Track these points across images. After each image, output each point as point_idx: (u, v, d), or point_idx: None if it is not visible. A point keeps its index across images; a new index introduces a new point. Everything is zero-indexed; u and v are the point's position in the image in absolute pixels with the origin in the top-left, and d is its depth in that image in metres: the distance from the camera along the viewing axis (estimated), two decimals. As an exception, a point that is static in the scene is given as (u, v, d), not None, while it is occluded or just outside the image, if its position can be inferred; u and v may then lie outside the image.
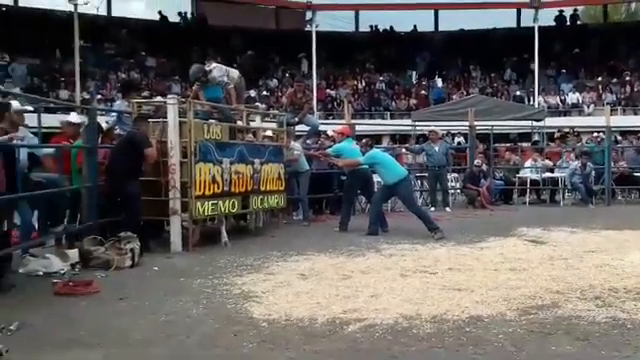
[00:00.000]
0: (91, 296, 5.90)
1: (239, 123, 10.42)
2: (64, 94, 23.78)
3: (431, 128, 15.39)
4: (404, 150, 17.21)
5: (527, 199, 15.55)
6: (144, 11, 32.32)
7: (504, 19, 32.54)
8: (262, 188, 9.95)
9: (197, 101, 9.72)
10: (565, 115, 26.99)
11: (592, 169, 15.11)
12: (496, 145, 16.81)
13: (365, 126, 21.15)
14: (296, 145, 11.78)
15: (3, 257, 6.13)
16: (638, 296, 5.71)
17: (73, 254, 7.18)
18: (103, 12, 31.22)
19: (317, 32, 27.93)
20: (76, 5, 23.46)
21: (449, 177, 15.01)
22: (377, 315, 5.12)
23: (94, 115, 8.51)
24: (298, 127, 12.81)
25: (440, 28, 33.43)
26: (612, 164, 15.77)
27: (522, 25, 31.85)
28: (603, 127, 16.25)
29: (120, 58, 28.01)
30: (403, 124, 23.03)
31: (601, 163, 15.52)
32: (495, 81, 29.38)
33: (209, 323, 5.04)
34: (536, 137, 22.56)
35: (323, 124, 15.92)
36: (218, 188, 8.82)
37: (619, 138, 20.01)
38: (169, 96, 9.37)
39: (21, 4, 29.48)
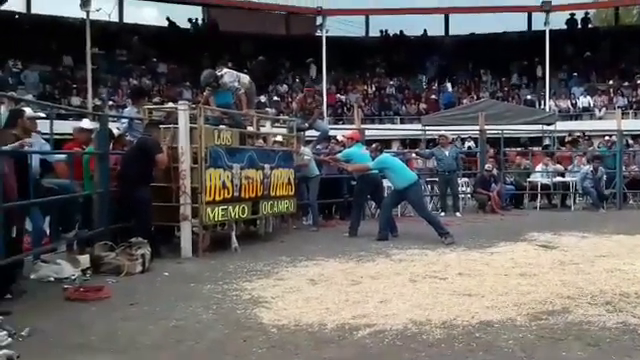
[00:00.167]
0: (102, 301, 5.93)
1: (249, 128, 10.45)
2: (76, 101, 23.96)
3: (441, 132, 15.38)
4: (414, 155, 17.18)
5: (538, 204, 15.48)
6: (156, 18, 32.46)
7: (515, 23, 32.46)
8: (272, 193, 9.97)
9: (208, 107, 9.77)
10: (576, 119, 26.85)
11: (604, 173, 15.01)
12: (506, 149, 16.74)
13: (375, 131, 21.14)
14: (306, 150, 11.80)
15: (15, 263, 6.17)
16: (649, 301, 5.67)
17: (84, 260, 7.22)
18: (115, 19, 31.50)
19: (327, 37, 27.97)
20: (88, 12, 23.65)
21: (459, 182, 14.95)
22: (387, 321, 5.12)
23: (105, 121, 8.57)
24: (308, 132, 12.82)
25: (450, 32, 33.39)
26: (623, 168, 15.68)
27: (533, 29, 31.72)
28: (614, 131, 16.15)
29: (132, 65, 28.17)
30: (413, 129, 23.00)
31: (612, 167, 15.43)
32: (506, 85, 29.29)
33: (219, 328, 5.06)
34: (547, 141, 22.44)
35: (333, 129, 15.89)
36: (228, 193, 8.85)
37: (630, 142, 19.90)
38: (180, 102, 9.42)
39: (33, 11, 29.72)
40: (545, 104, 26.81)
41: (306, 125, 12.31)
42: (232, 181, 8.92)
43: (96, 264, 7.22)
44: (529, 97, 27.78)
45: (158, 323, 5.21)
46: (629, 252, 8.38)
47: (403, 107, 28.65)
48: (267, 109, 17.89)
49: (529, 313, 5.31)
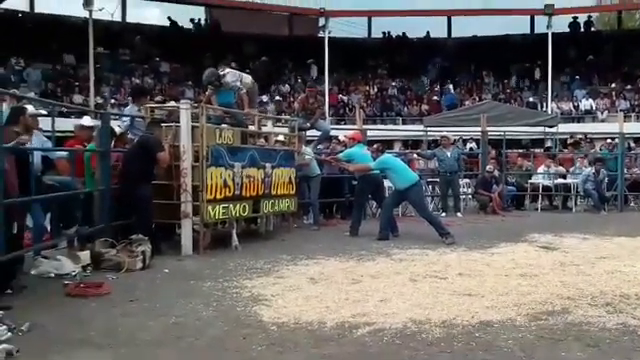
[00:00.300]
0: (102, 298, 5.94)
1: (251, 128, 10.46)
2: (78, 99, 24.01)
3: (443, 134, 15.37)
4: (416, 155, 17.18)
5: (539, 205, 15.47)
6: (158, 17, 32.51)
7: (517, 25, 32.49)
8: (273, 192, 9.97)
9: (210, 106, 9.79)
10: (578, 121, 26.85)
11: (605, 175, 15.01)
12: (508, 151, 16.73)
13: (377, 131, 21.14)
14: (307, 150, 11.81)
15: (15, 259, 6.18)
16: (649, 303, 5.67)
17: (84, 256, 7.23)
18: (118, 18, 31.55)
19: (330, 38, 27.99)
20: (91, 11, 23.66)
21: (461, 183, 14.95)
22: (386, 319, 5.12)
23: (107, 119, 8.59)
24: (309, 132, 12.83)
25: (453, 34, 33.41)
26: (625, 170, 15.67)
27: (536, 32, 31.73)
28: (616, 133, 16.16)
29: (134, 64, 28.21)
30: (415, 129, 23.00)
31: (614, 170, 15.42)
32: (508, 87, 29.29)
33: (218, 326, 5.06)
34: (549, 143, 22.45)
35: (335, 129, 15.91)
36: (229, 192, 8.86)
37: (632, 145, 19.88)
38: (182, 101, 9.44)
39: (37, 10, 29.77)
40: (547, 106, 26.79)
41: (308, 125, 12.31)
42: (233, 179, 8.93)
43: (96, 260, 7.22)
44: (531, 99, 27.81)
45: (158, 319, 5.21)
46: (630, 254, 8.38)
47: (405, 108, 28.66)
48: (267, 107, 17.92)
49: (529, 313, 5.31)
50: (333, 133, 14.42)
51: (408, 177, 10.13)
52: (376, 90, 30.21)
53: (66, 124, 10.01)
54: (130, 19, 32.39)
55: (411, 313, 5.30)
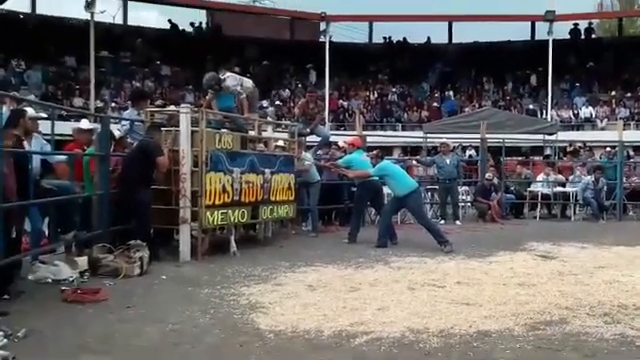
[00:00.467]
0: (99, 304, 5.93)
1: (251, 133, 10.46)
2: (78, 102, 24.00)
3: (442, 140, 15.36)
4: (415, 162, 17.17)
5: (538, 213, 15.46)
6: (159, 21, 32.51)
7: (518, 32, 32.51)
8: (272, 198, 9.97)
9: (210, 110, 9.78)
10: (578, 129, 26.84)
11: (605, 184, 15.01)
12: (507, 159, 16.73)
13: (376, 137, 21.14)
14: (307, 156, 11.80)
15: (12, 264, 6.17)
16: (648, 313, 5.67)
17: (82, 262, 7.21)
18: (119, 21, 31.60)
19: (331, 43, 28.01)
20: (92, 13, 23.70)
21: (460, 190, 14.94)
22: (384, 328, 5.11)
23: (107, 123, 8.58)
24: (309, 137, 12.82)
25: (454, 40, 33.44)
26: (624, 179, 15.67)
27: (536, 38, 31.75)
28: (616, 142, 16.16)
29: (135, 67, 28.22)
30: (414, 136, 23.00)
31: (613, 178, 15.42)
32: (508, 94, 29.31)
33: (215, 333, 5.05)
34: (548, 151, 22.45)
35: (334, 135, 15.92)
36: (228, 197, 8.85)
37: (632, 153, 19.89)
38: (182, 105, 9.42)
39: (38, 12, 29.80)
40: (547, 114, 26.81)
41: (307, 130, 12.31)
42: (232, 185, 8.92)
43: (94, 266, 7.21)
44: (531, 106, 27.81)
45: (155, 326, 5.21)
46: (628, 264, 8.38)
47: (405, 114, 28.67)
48: (266, 109, 17.89)
49: (527, 323, 5.31)
50: (333, 139, 14.42)
51: (407, 184, 10.13)
52: (376, 96, 30.23)
53: (66, 127, 9.97)
54: (131, 22, 32.47)
55: (409, 322, 5.29)
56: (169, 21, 31.89)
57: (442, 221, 13.52)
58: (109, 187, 8.14)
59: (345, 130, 24.27)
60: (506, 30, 32.63)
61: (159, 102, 17.76)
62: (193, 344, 4.76)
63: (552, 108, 27.15)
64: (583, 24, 32.08)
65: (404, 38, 32.94)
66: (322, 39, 28.73)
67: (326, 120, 22.44)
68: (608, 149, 17.89)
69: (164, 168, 8.28)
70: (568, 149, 19.25)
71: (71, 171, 7.73)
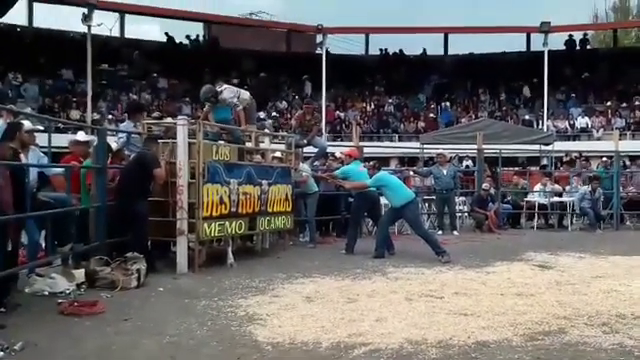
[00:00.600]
0: (96, 316, 5.90)
1: (248, 144, 10.47)
2: (75, 114, 23.99)
3: (439, 151, 15.39)
4: (412, 173, 17.20)
5: (535, 223, 15.47)
6: (157, 34, 32.62)
7: (514, 43, 32.75)
8: (269, 209, 9.96)
9: (207, 122, 9.80)
10: (574, 139, 26.91)
11: (601, 194, 15.04)
12: (504, 169, 16.77)
13: (373, 148, 21.16)
14: (305, 167, 11.81)
15: (9, 276, 6.15)
16: (646, 323, 5.66)
17: (79, 274, 7.19)
18: (116, 34, 31.66)
19: (327, 55, 28.11)
20: (90, 26, 23.75)
21: (457, 200, 14.95)
22: (382, 339, 5.10)
23: (104, 135, 8.58)
24: (306, 149, 12.83)
25: (450, 52, 33.58)
26: (621, 189, 15.70)
27: (532, 49, 31.93)
28: (612, 152, 16.22)
29: (132, 79, 28.26)
30: (411, 147, 23.03)
31: (610, 188, 15.45)
32: (504, 105, 29.40)
33: (213, 345, 5.03)
34: (545, 161, 22.49)
35: (331, 146, 15.94)
36: (225, 209, 8.84)
37: (628, 163, 19.93)
38: (179, 117, 9.44)
39: (35, 24, 29.86)
40: (543, 124, 26.89)
41: (304, 141, 12.32)
42: (229, 197, 8.92)
43: (91, 279, 7.18)
44: (527, 117, 27.89)
45: (152, 338, 5.18)
46: (625, 273, 8.38)
47: (402, 125, 28.73)
48: (264, 122, 17.86)
49: (525, 333, 5.30)
50: (330, 150, 14.43)
51: (404, 195, 10.14)
52: (373, 107, 30.31)
53: (63, 140, 9.96)
54: (129, 35, 32.55)
55: (407, 333, 5.28)
56: (166, 34, 32.00)
57: (439, 231, 13.53)
58: (106, 199, 8.13)
59: (342, 141, 24.30)
60: (502, 42, 32.85)
61: (156, 114, 17.83)
62: (190, 356, 4.74)
63: (548, 118, 27.23)
64: (578, 35, 32.25)
65: (400, 50, 33.07)
66: (319, 51, 28.82)
67: (323, 131, 22.48)
68: (604, 159, 17.93)
69: (161, 180, 8.27)
70: (564, 159, 19.28)
71: (68, 183, 7.71)
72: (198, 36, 33.47)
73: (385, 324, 5.60)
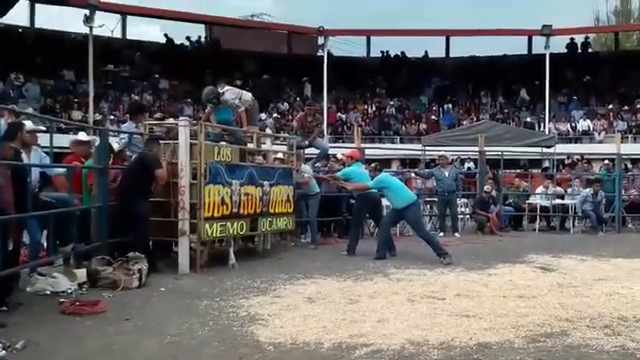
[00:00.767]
0: (97, 316, 5.90)
1: (250, 145, 10.47)
2: (77, 115, 23.99)
3: (441, 153, 15.38)
4: (413, 175, 17.19)
5: (537, 226, 15.45)
6: (158, 35, 32.60)
7: (515, 46, 32.78)
8: (271, 210, 9.96)
9: (208, 123, 9.80)
10: (576, 142, 26.93)
11: (603, 197, 15.02)
12: (505, 171, 16.76)
13: (375, 150, 21.16)
14: (306, 168, 11.81)
15: (11, 276, 6.15)
16: (648, 325, 5.65)
17: (81, 274, 7.19)
18: (118, 35, 31.70)
19: (329, 57, 28.11)
20: (91, 27, 23.77)
21: (458, 202, 14.94)
22: (384, 340, 5.09)
23: (106, 136, 8.58)
24: (307, 150, 12.84)
25: (451, 54, 33.58)
26: (623, 192, 15.69)
27: (533, 52, 31.93)
28: (614, 154, 16.20)
29: (134, 80, 28.28)
30: (413, 149, 23.04)
31: (612, 191, 15.44)
32: (506, 107, 29.40)
33: (214, 345, 5.02)
34: (546, 163, 22.48)
35: (333, 147, 15.94)
36: (227, 210, 8.84)
37: (630, 166, 19.91)
38: (181, 118, 9.44)
39: (37, 25, 29.89)
40: (545, 127, 26.89)
41: (306, 143, 12.32)
42: (231, 197, 8.92)
43: (93, 278, 7.18)
44: (529, 119, 27.88)
45: (153, 338, 5.18)
46: (627, 276, 8.37)
47: (403, 127, 28.73)
48: (266, 121, 17.81)
49: (527, 335, 5.29)
50: (331, 151, 14.43)
51: (406, 196, 10.13)
52: (374, 109, 30.31)
53: (64, 140, 9.96)
54: (130, 36, 32.59)
55: (409, 334, 5.27)
56: (165, 35, 32.02)
57: (441, 233, 13.51)
58: (108, 200, 8.13)
59: (343, 143, 24.28)
60: (503, 44, 32.84)
61: (158, 115, 17.81)
62: (192, 356, 4.74)
63: (550, 121, 27.24)
64: (579, 38, 32.26)
65: (402, 52, 33.07)
66: (320, 53, 28.82)
67: (324, 133, 22.49)
68: (606, 162, 17.90)
69: (163, 180, 8.28)
70: (566, 162, 19.26)
71: (70, 184, 7.71)
72: (200, 37, 33.49)
73: (387, 325, 5.59)
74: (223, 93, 10.34)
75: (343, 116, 29.33)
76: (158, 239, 8.55)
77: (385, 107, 30.18)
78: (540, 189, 16.08)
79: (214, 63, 28.76)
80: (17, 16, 28.11)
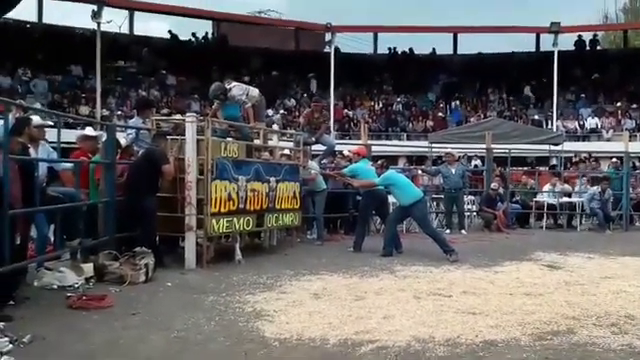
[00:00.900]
0: (104, 310, 5.92)
1: (256, 141, 10.47)
2: (85, 110, 24.07)
3: (448, 150, 15.35)
4: (420, 172, 17.16)
5: (544, 223, 15.40)
6: (165, 31, 32.47)
7: (523, 43, 32.63)
8: (277, 206, 9.96)
9: (215, 119, 9.80)
10: (584, 140, 26.83)
11: (611, 195, 14.97)
12: (513, 169, 16.71)
13: (382, 147, 21.14)
14: (313, 164, 11.80)
15: (18, 270, 6.17)
16: (655, 324, 5.62)
17: (88, 268, 7.22)
18: (125, 31, 31.75)
19: (336, 53, 28.08)
20: (99, 23, 23.83)
21: (465, 200, 14.90)
22: (390, 337, 5.08)
23: (113, 131, 8.60)
24: (314, 146, 12.83)
25: (459, 51, 33.49)
26: (630, 190, 15.62)
27: (541, 49, 31.81)
28: (622, 152, 16.13)
29: (141, 76, 28.34)
30: (420, 146, 23.01)
31: (619, 189, 15.38)
32: (513, 105, 29.31)
33: (220, 340, 5.03)
34: (554, 161, 22.41)
35: (339, 144, 15.93)
36: (233, 205, 8.85)
37: (637, 164, 19.82)
38: (188, 114, 9.46)
39: (45, 21, 29.96)
40: (553, 124, 26.80)
41: (313, 139, 12.32)
42: (238, 193, 8.92)
43: (100, 273, 7.21)
44: (537, 117, 27.80)
45: (159, 333, 5.19)
46: (635, 274, 8.33)
47: (410, 124, 28.70)
48: (272, 118, 17.80)
49: (534, 333, 5.27)
50: (338, 148, 14.42)
51: (412, 193, 10.11)
52: (381, 105, 30.29)
53: (72, 135, 9.99)
54: (138, 32, 32.64)
55: (415, 331, 5.26)
56: (169, 32, 31.96)
57: (447, 230, 13.49)
58: (115, 195, 8.15)
59: (350, 139, 24.29)
60: (511, 41, 32.70)
61: (165, 111, 17.85)
62: (198, 351, 4.74)
63: (557, 119, 27.15)
64: (588, 36, 32.10)
65: (409, 49, 33.00)
66: (327, 49, 28.79)
67: (331, 129, 22.48)
68: (614, 160, 17.83)
69: (170, 176, 8.30)
70: (574, 159, 19.19)
71: (77, 178, 7.73)
72: (207, 34, 33.50)
73: (393, 322, 5.58)
74: (230, 89, 10.34)
75: (350, 113, 29.32)
76: (165, 234, 8.60)
77: (392, 104, 30.15)
78: (547, 187, 16.03)
79: (221, 59, 28.79)
80: (25, 11, 28.20)
